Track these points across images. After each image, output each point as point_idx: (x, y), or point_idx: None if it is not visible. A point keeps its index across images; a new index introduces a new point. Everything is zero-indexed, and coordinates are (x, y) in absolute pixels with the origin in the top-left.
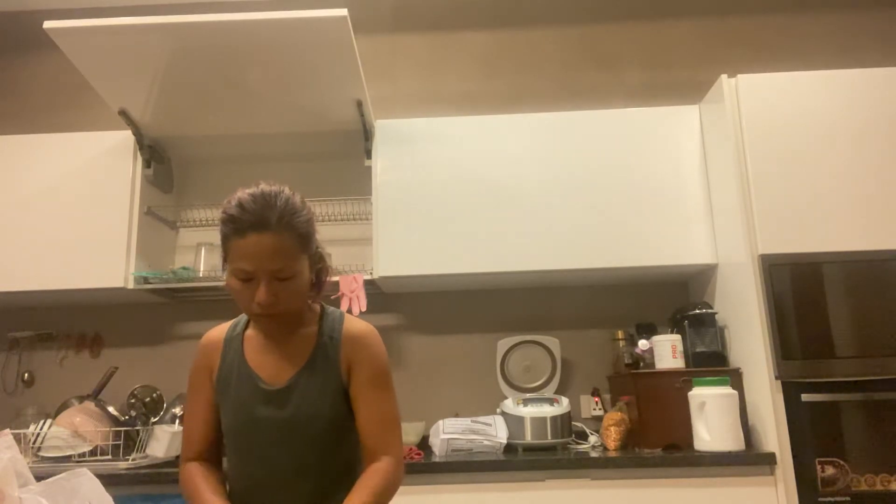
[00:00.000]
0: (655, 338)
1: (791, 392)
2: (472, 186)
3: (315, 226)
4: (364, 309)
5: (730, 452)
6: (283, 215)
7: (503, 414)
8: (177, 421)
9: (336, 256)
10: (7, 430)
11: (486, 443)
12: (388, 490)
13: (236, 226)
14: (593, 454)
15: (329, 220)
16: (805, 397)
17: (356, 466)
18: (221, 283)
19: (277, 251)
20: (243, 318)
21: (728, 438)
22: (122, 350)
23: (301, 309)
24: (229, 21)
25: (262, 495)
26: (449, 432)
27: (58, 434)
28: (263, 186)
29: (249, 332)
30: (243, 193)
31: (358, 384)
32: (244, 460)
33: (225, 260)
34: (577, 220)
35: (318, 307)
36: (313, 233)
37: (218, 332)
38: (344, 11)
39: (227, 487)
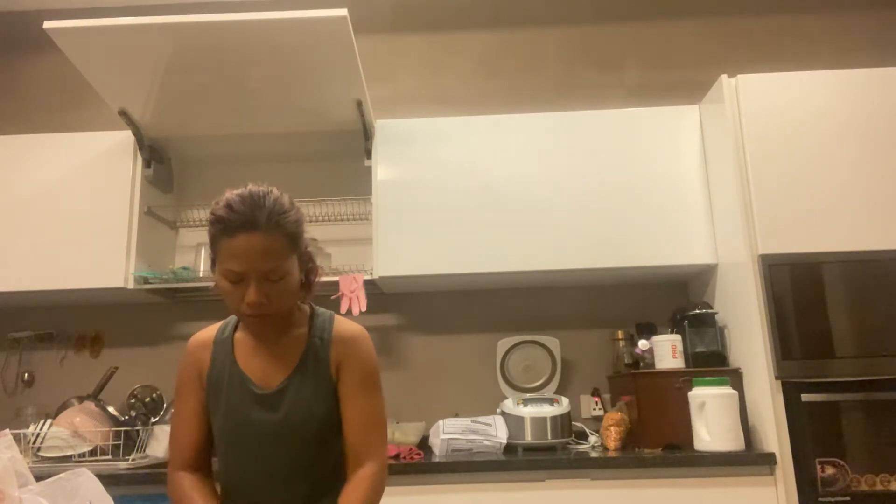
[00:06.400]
0: (655, 338)
1: (791, 392)
2: (472, 186)
3: (304, 226)
4: (364, 309)
5: (730, 452)
6: (272, 215)
7: (503, 414)
8: None
9: (336, 256)
10: (7, 430)
11: (486, 443)
12: (374, 501)
13: (225, 226)
14: (593, 454)
15: (329, 220)
16: (805, 397)
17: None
18: None
19: (267, 251)
20: (232, 320)
21: (728, 438)
22: (122, 350)
23: (291, 310)
24: (229, 21)
25: (255, 496)
26: (449, 432)
27: (58, 434)
28: (251, 187)
29: (239, 334)
30: (231, 194)
31: (346, 385)
32: (237, 462)
33: (214, 261)
34: (577, 219)
35: (307, 308)
36: (302, 233)
37: (206, 333)
38: (344, 11)
39: (220, 489)
